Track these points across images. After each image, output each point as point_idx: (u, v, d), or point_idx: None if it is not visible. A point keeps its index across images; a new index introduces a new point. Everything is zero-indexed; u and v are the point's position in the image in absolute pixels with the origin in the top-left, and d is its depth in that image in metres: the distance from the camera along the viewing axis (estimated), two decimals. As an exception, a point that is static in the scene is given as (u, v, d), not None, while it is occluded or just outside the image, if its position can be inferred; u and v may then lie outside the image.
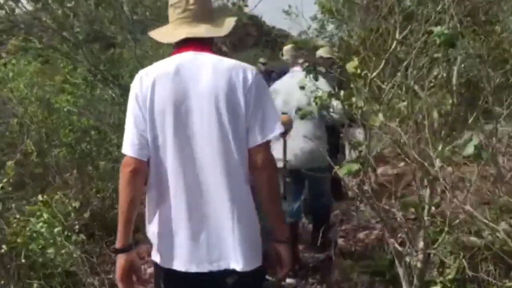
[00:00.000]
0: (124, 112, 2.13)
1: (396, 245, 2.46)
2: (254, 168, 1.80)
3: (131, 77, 4.71)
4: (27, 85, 4.88)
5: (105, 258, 4.44)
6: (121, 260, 1.84)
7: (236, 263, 1.80)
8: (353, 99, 1.94)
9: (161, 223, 1.86)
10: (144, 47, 5.72)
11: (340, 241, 4.65)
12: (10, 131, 5.18)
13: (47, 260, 3.08)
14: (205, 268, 1.81)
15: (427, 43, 1.91)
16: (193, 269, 1.82)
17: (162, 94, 1.78)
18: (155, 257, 1.90)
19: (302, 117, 2.18)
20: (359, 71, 1.88)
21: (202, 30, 1.86)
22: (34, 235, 3.10)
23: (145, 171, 1.83)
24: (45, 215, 3.27)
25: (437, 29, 1.61)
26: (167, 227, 1.84)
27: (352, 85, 1.98)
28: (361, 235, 4.73)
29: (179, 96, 1.78)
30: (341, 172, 1.93)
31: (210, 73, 1.78)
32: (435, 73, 1.92)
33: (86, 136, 4.83)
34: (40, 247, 3.05)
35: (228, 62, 1.83)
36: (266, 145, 1.81)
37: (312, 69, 2.30)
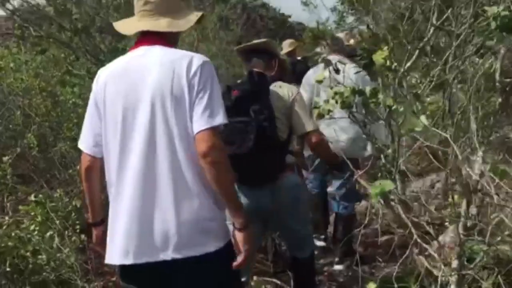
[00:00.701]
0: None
1: (427, 264, 2.14)
2: (199, 155, 1.74)
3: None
4: (29, 75, 4.63)
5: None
6: (94, 231, 2.11)
7: (179, 251, 1.76)
8: (380, 97, 1.62)
9: (110, 217, 1.88)
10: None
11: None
12: (15, 124, 4.98)
13: (37, 267, 2.83)
14: (144, 259, 1.78)
15: (472, 28, 1.58)
16: (131, 260, 1.78)
17: (112, 93, 1.82)
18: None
19: (320, 117, 1.88)
20: (388, 63, 1.56)
21: (162, 24, 1.85)
22: (25, 238, 2.86)
23: (99, 166, 1.93)
24: (39, 217, 3.03)
25: (492, 9, 1.29)
26: (114, 221, 1.85)
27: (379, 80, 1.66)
28: (382, 240, 4.38)
29: (126, 95, 1.80)
30: (372, 191, 1.62)
31: (156, 69, 1.79)
32: (486, 64, 1.59)
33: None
34: (28, 252, 2.80)
35: (175, 54, 1.83)
36: (211, 132, 1.73)
37: (329, 62, 2.00)
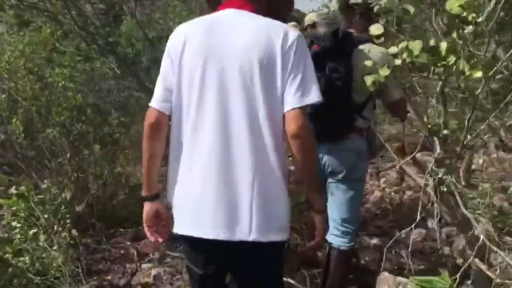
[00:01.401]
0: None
1: (484, 268, 1.78)
2: (288, 134, 1.69)
3: (131, 46, 3.89)
4: (15, 56, 4.20)
5: (104, 254, 3.88)
6: (146, 207, 1.90)
7: (249, 234, 1.71)
8: (452, 59, 1.24)
9: (178, 184, 1.81)
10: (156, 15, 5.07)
11: (376, 241, 3.98)
12: (0, 109, 4.57)
13: (19, 270, 2.46)
14: (213, 234, 1.72)
15: None
16: (202, 234, 1.74)
17: (193, 50, 1.75)
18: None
19: (375, 85, 1.51)
20: (467, 13, 1.17)
21: None
22: (5, 238, 2.49)
23: (166, 124, 1.82)
24: (22, 212, 2.65)
25: None
26: (183, 189, 1.79)
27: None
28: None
29: (210, 53, 1.72)
30: None
31: (246, 31, 1.73)
32: None
33: (82, 115, 4.18)
34: (8, 254, 2.42)
35: (269, 22, 1.75)
36: (302, 111, 1.69)
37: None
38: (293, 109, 1.67)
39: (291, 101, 1.67)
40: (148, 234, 1.92)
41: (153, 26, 4.36)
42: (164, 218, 1.90)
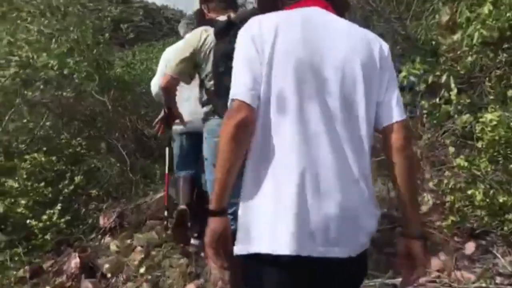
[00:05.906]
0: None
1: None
2: (391, 149, 1.67)
3: None
4: None
5: None
6: (214, 224, 1.61)
7: (342, 250, 1.58)
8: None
9: (266, 196, 1.58)
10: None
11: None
12: None
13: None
14: (323, 252, 1.55)
15: None
16: (305, 252, 1.53)
17: (287, 43, 1.62)
18: (252, 243, 1.59)
19: None
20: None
21: None
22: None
23: (254, 123, 1.58)
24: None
25: None
26: (275, 202, 1.56)
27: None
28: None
29: (307, 50, 1.62)
30: None
31: (345, 37, 1.68)
32: None
33: None
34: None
35: (362, 29, 1.76)
36: (407, 123, 1.72)
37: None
38: (399, 121, 1.68)
39: (396, 113, 1.69)
40: (213, 258, 1.62)
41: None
42: (227, 239, 1.63)
